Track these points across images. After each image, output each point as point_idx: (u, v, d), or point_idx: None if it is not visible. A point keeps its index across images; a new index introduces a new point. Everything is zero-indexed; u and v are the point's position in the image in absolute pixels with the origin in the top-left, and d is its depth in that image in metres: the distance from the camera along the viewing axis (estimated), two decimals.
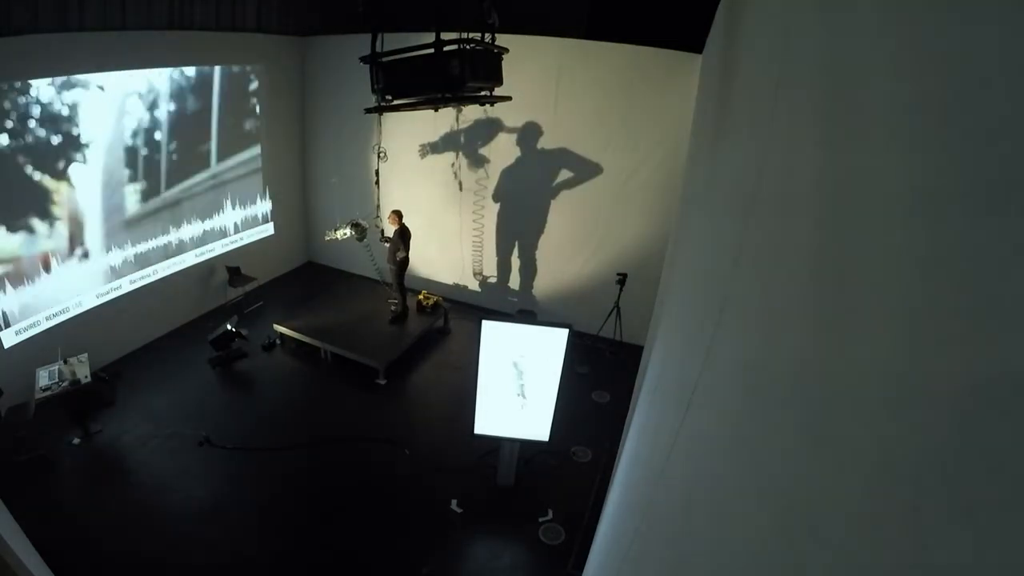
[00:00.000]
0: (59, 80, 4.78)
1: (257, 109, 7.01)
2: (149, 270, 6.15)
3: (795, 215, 0.85)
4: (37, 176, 4.86)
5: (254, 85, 6.90)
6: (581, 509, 4.23)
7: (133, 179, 5.77)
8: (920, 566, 0.38)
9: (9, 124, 4.50)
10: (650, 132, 5.58)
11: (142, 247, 6.02)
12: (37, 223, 4.94)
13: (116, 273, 5.78)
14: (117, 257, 5.77)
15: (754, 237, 1.09)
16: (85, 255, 5.45)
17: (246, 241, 7.37)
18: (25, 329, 4.98)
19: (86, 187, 5.31)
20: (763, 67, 1.45)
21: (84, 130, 5.13)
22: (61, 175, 5.04)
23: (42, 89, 4.67)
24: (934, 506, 0.37)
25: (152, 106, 5.73)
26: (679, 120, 5.25)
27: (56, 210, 5.07)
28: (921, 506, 0.39)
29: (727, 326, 1.15)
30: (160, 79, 5.70)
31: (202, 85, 6.24)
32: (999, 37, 0.37)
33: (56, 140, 4.92)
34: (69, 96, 4.91)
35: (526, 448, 4.37)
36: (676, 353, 1.98)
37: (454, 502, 4.28)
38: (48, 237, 5.06)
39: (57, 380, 4.65)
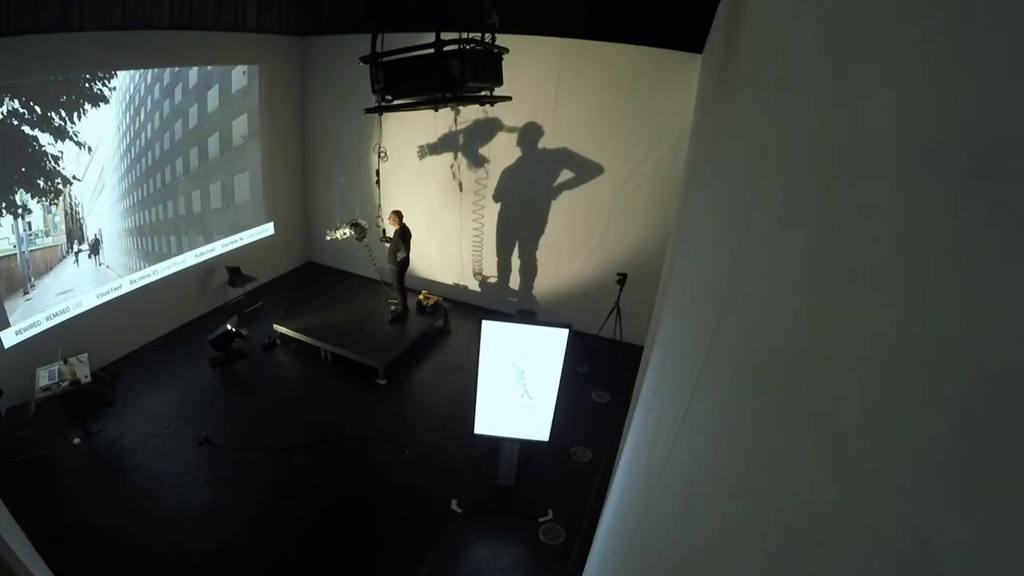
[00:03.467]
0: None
1: (257, 108, 7.01)
2: (149, 270, 6.15)
3: (795, 215, 0.85)
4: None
5: (254, 83, 6.90)
6: (581, 509, 4.23)
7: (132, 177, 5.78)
8: (920, 565, 0.38)
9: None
10: (650, 132, 5.58)
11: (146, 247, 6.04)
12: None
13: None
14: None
15: (754, 236, 1.09)
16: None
17: (246, 241, 7.37)
18: (25, 329, 4.98)
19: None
20: (763, 66, 1.45)
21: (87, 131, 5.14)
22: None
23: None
24: (934, 506, 0.37)
25: (150, 104, 5.73)
26: (679, 120, 5.26)
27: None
28: (921, 505, 0.39)
29: (727, 326, 1.15)
30: (154, 78, 5.71)
31: (201, 84, 6.24)
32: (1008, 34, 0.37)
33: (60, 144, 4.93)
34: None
35: (526, 448, 4.37)
36: (676, 353, 1.98)
37: (454, 502, 4.28)
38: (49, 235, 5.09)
39: (57, 380, 4.65)
